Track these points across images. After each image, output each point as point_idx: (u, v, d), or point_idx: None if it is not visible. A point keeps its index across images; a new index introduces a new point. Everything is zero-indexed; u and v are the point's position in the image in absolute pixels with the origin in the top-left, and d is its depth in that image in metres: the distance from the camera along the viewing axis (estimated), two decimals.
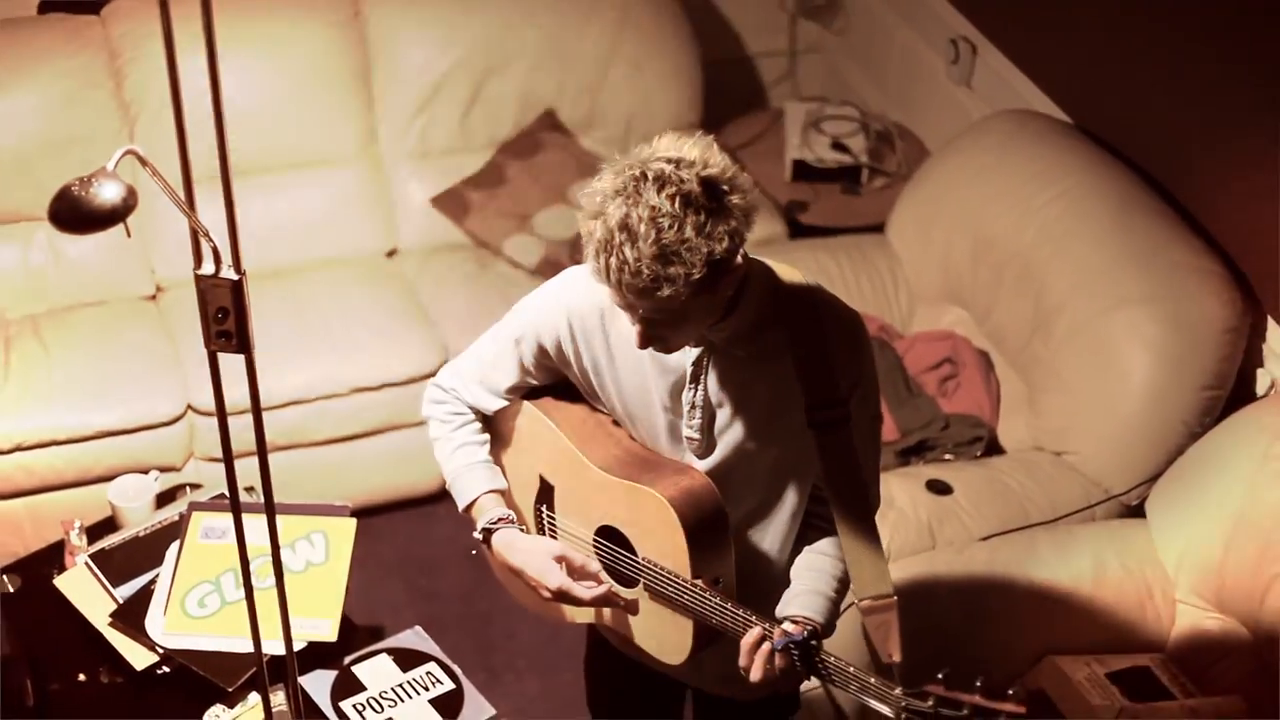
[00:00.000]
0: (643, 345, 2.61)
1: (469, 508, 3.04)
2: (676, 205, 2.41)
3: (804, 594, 2.86)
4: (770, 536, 2.91)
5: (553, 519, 3.04)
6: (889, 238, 5.16)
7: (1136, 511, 4.18)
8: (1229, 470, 3.92)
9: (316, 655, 3.43)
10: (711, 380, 2.77)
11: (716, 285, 2.51)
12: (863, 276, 5.04)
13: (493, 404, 3.04)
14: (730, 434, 2.81)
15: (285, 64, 5.24)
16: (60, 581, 3.62)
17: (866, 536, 2.71)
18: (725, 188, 2.46)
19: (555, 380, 3.00)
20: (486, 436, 3.08)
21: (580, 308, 2.83)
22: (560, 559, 2.90)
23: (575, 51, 5.53)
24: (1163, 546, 4.00)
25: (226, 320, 2.25)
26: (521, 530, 3.01)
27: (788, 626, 2.73)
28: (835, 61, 6.49)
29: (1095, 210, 4.43)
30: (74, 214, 2.22)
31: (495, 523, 2.99)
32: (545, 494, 3.05)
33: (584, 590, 2.89)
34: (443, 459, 3.10)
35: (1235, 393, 4.23)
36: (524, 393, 3.03)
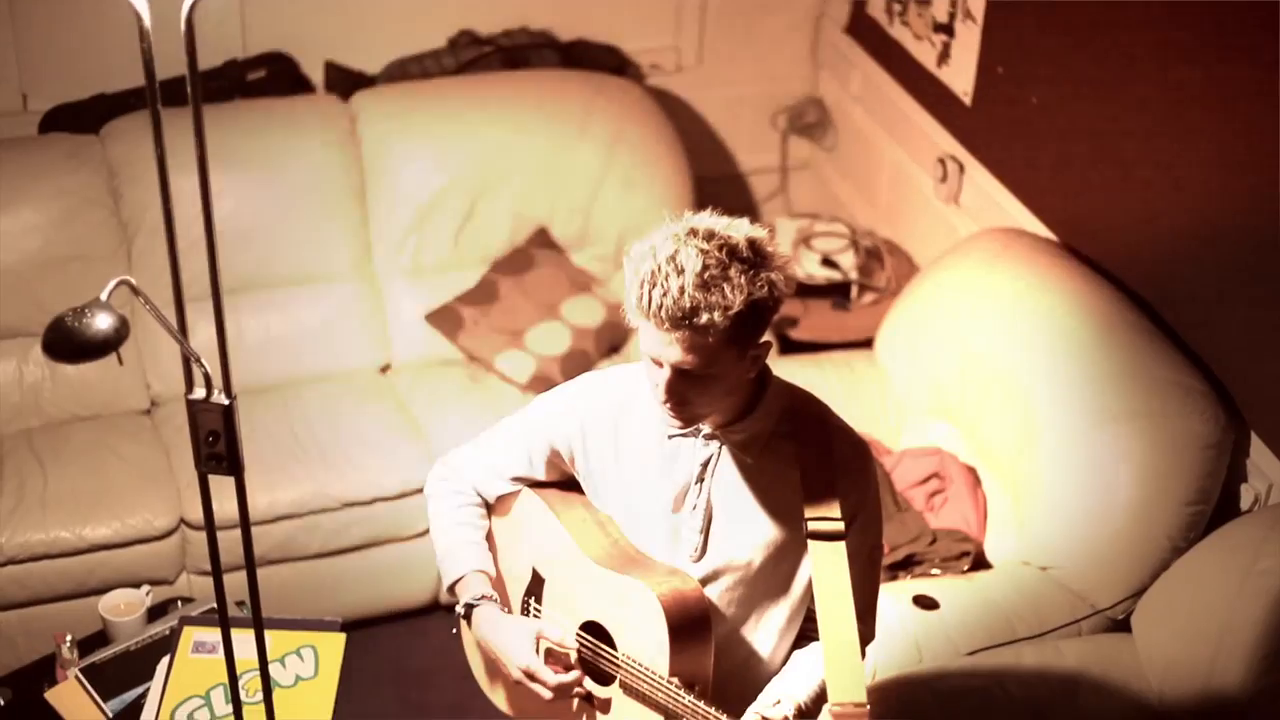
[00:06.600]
0: (667, 399, 2.68)
1: (455, 584, 3.07)
2: (723, 253, 2.57)
3: (788, 677, 2.92)
4: (757, 643, 2.94)
5: (538, 611, 3.07)
6: (878, 353, 5.21)
7: (1122, 626, 4.20)
8: (1213, 585, 3.94)
9: None
10: (716, 483, 2.83)
11: (750, 338, 2.64)
12: (851, 392, 5.08)
13: (497, 488, 3.10)
14: (727, 539, 2.86)
15: (281, 182, 5.31)
16: (51, 695, 3.62)
17: (846, 646, 2.74)
18: (768, 249, 2.62)
19: (560, 478, 3.07)
20: (485, 523, 3.13)
21: (594, 411, 2.93)
22: (538, 637, 2.94)
23: (568, 170, 5.60)
24: (1148, 661, 4.01)
25: (217, 443, 2.29)
26: (504, 611, 3.04)
27: (765, 714, 2.76)
28: (826, 178, 6.57)
29: (1080, 327, 4.47)
30: (67, 345, 2.27)
31: (478, 599, 3.02)
32: (535, 586, 3.08)
33: (551, 675, 2.92)
34: (437, 535, 3.14)
35: (1220, 508, 4.25)
36: (529, 484, 3.08)
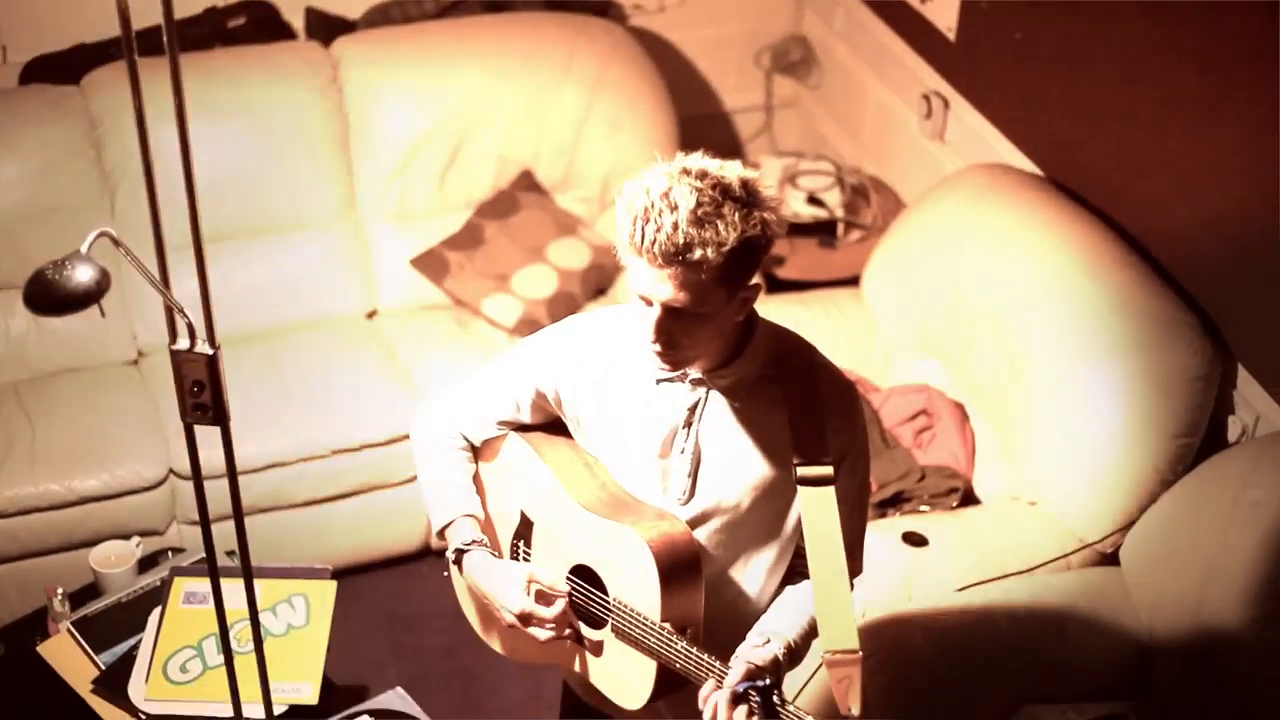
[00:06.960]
0: (656, 339, 2.68)
1: (444, 529, 3.07)
2: (716, 191, 2.57)
3: (775, 615, 2.92)
4: (745, 583, 2.95)
5: (528, 555, 3.07)
6: (864, 291, 5.20)
7: (1111, 560, 4.21)
8: (1202, 517, 3.95)
9: (298, 718, 3.44)
10: (704, 427, 2.83)
11: (741, 278, 2.63)
12: (839, 330, 5.08)
13: (483, 432, 3.09)
14: (715, 482, 2.85)
15: (264, 129, 5.28)
16: (44, 649, 3.63)
17: (838, 592, 2.75)
18: (761, 189, 2.62)
19: (547, 421, 3.06)
20: (473, 466, 3.13)
21: (581, 353, 2.92)
22: (529, 580, 2.94)
23: (551, 112, 5.58)
24: (1137, 594, 4.03)
25: (202, 393, 2.29)
26: (494, 555, 3.04)
27: (753, 657, 2.77)
28: (811, 116, 6.56)
29: (1066, 261, 4.47)
30: (48, 298, 2.26)
31: (469, 544, 3.02)
32: (524, 529, 3.08)
33: (546, 611, 2.92)
34: (424, 479, 3.13)
35: (1207, 440, 4.26)
36: (515, 428, 3.08)
